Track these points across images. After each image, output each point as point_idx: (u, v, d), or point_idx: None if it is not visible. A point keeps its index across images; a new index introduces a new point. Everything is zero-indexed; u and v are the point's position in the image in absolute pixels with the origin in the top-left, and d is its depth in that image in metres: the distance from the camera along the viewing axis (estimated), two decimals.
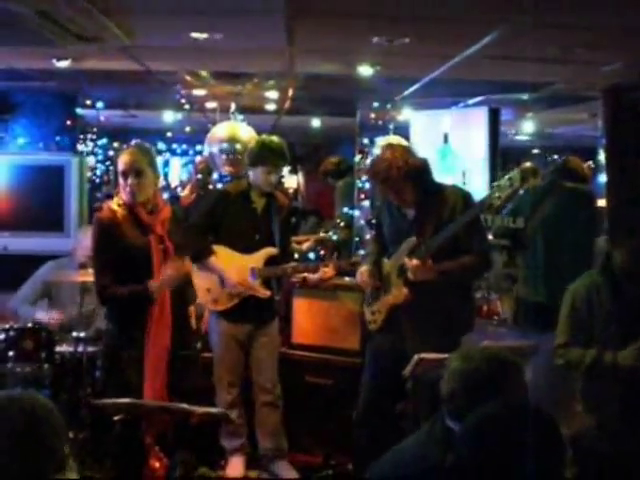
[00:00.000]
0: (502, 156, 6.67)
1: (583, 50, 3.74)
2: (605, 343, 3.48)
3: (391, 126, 6.47)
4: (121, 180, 3.66)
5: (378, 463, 2.56)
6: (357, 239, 6.22)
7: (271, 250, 4.46)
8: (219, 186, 5.99)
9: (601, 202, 5.49)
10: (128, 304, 3.60)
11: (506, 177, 3.46)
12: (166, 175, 12.29)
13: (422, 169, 3.82)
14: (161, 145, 10.85)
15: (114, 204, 3.69)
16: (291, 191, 9.92)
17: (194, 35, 3.75)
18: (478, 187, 5.21)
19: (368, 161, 6.31)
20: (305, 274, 4.58)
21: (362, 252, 4.55)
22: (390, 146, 3.90)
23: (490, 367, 2.43)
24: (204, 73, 5.61)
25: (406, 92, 5.68)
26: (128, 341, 3.63)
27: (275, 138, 4.56)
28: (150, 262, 3.61)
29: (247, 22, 3.40)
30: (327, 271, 4.50)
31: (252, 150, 4.53)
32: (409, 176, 3.72)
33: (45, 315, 4.71)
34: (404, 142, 5.17)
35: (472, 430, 2.04)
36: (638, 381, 3.44)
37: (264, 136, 4.80)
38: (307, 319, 5.08)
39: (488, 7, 2.98)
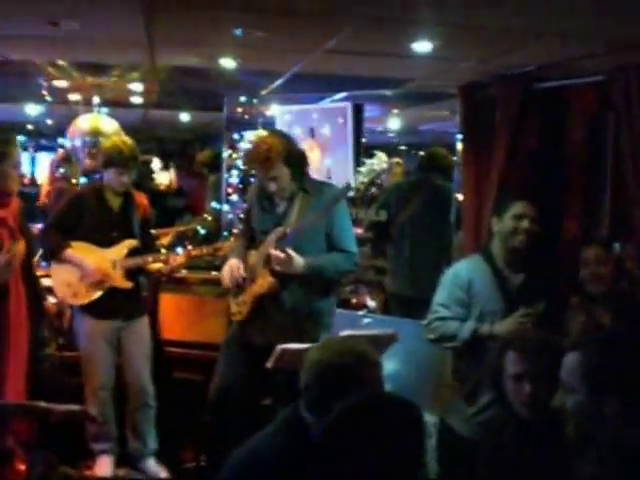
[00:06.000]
0: (369, 152, 6.81)
1: (437, 46, 3.86)
2: (483, 321, 3.61)
3: (259, 121, 6.48)
4: None
5: (234, 453, 2.57)
6: (226, 233, 6.21)
7: (132, 242, 4.43)
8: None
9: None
10: None
11: (368, 162, 3.53)
12: (32, 171, 11.78)
13: (301, 158, 3.89)
14: (25, 140, 10.44)
15: None
16: (162, 187, 9.76)
17: (50, 23, 3.63)
18: (343, 182, 5.28)
19: (248, 146, 6.33)
20: (158, 265, 4.53)
21: (227, 243, 4.53)
22: (273, 131, 3.95)
23: (344, 360, 2.47)
24: (66, 64, 5.46)
25: (271, 86, 5.72)
26: None
27: (126, 139, 4.56)
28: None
29: (103, 10, 3.33)
30: (176, 258, 4.48)
31: (103, 152, 4.50)
32: (288, 162, 3.79)
33: None
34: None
35: (332, 425, 2.06)
36: None
37: (115, 137, 4.81)
38: (174, 314, 5.05)
39: (342, 1, 3.04)
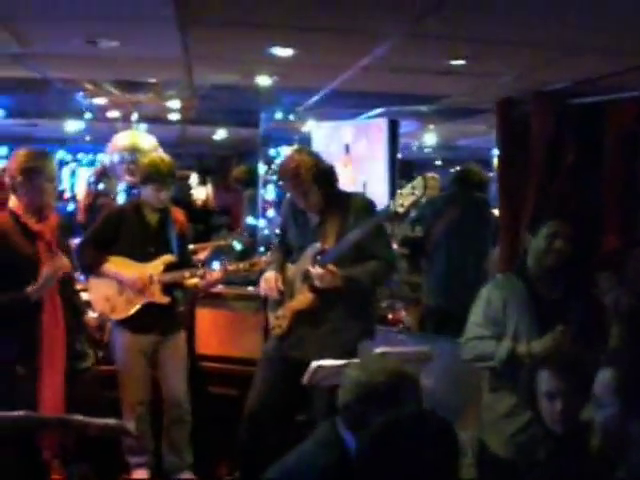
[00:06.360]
0: (405, 168, 6.81)
1: (474, 62, 3.86)
2: (518, 339, 3.54)
3: (295, 137, 6.52)
4: (24, 183, 3.56)
5: (271, 470, 2.57)
6: (262, 248, 6.24)
7: (169, 257, 4.45)
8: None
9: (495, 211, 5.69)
10: (17, 315, 3.49)
11: (409, 185, 3.53)
12: (72, 186, 11.94)
13: (329, 174, 3.93)
14: (66, 155, 10.63)
15: None
16: (199, 203, 9.84)
17: (89, 42, 3.70)
18: (379, 198, 5.27)
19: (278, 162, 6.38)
20: (195, 280, 4.55)
21: (264, 258, 4.54)
22: (300, 149, 3.99)
23: (385, 380, 2.48)
24: (104, 81, 5.55)
25: (306, 103, 5.75)
26: (19, 353, 3.52)
27: (164, 155, 4.63)
28: (38, 270, 3.53)
29: (141, 29, 3.39)
30: (212, 274, 4.51)
31: (142, 169, 4.55)
32: (317, 179, 3.83)
33: None
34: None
35: (369, 443, 2.06)
36: None
37: (154, 154, 4.87)
38: (210, 329, 5.07)
39: (376, 19, 3.06)
